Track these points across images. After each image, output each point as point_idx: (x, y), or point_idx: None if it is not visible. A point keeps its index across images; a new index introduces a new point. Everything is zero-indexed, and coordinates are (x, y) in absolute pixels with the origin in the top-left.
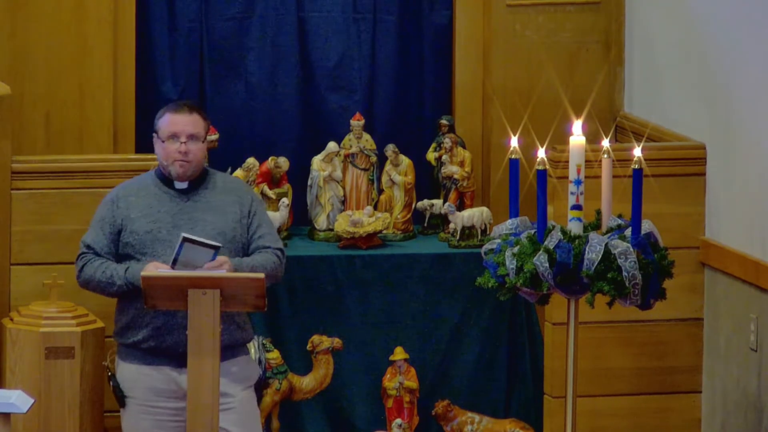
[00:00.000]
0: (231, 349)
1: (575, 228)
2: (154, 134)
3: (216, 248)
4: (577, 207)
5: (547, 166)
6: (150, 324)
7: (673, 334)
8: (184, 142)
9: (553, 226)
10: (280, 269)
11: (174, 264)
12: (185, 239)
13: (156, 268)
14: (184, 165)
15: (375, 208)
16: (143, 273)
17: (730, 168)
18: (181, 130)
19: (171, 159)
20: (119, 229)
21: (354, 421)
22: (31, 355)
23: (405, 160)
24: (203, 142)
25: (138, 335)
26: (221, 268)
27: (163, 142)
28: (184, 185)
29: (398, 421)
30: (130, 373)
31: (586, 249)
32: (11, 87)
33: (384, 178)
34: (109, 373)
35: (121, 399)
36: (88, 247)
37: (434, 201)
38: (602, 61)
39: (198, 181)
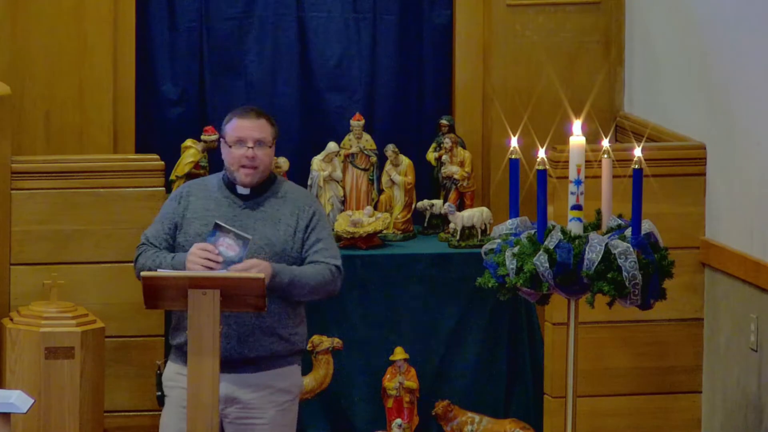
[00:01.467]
0: (272, 360)
1: (575, 228)
2: (221, 139)
3: (246, 239)
4: (577, 207)
5: (547, 166)
6: None
7: (673, 334)
8: (251, 147)
9: (553, 226)
10: (332, 284)
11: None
12: (217, 225)
13: (198, 249)
14: (250, 172)
15: (375, 208)
16: (143, 273)
17: (730, 168)
18: (248, 135)
19: (237, 164)
20: (176, 225)
21: (354, 421)
22: (31, 355)
23: (405, 160)
24: (270, 147)
25: (181, 337)
26: (253, 269)
27: (230, 147)
28: (246, 191)
29: (398, 421)
30: (173, 374)
31: (586, 249)
32: (11, 87)
33: (384, 178)
34: (158, 371)
35: (160, 398)
36: (147, 239)
37: (434, 201)
38: (602, 61)
39: (261, 189)
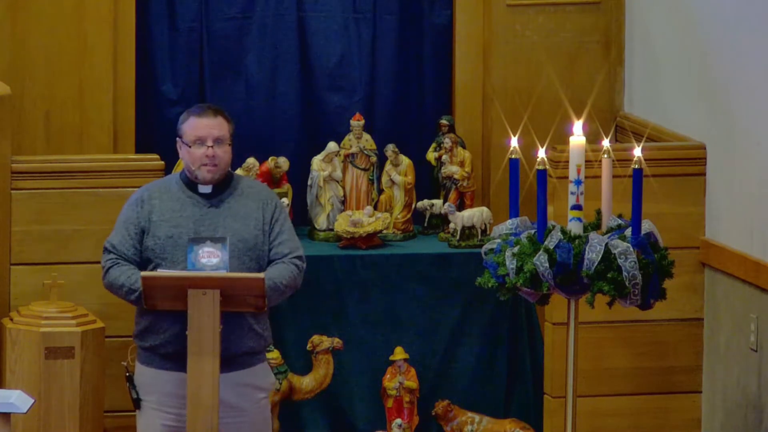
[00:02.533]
0: (249, 357)
1: (575, 228)
2: (177, 139)
3: (222, 240)
4: (577, 207)
5: (547, 166)
6: (168, 330)
7: (673, 334)
8: (211, 146)
9: (553, 226)
10: (299, 278)
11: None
12: (190, 239)
13: None
14: (212, 169)
15: (375, 208)
16: (143, 273)
17: (730, 168)
18: (208, 134)
19: (198, 163)
20: (143, 230)
21: (354, 421)
22: (31, 355)
23: (405, 160)
24: (229, 144)
25: (156, 340)
26: None
27: (189, 146)
28: (208, 189)
29: (398, 421)
30: (148, 377)
31: (586, 249)
32: (11, 87)
33: (384, 178)
34: (127, 374)
35: (136, 401)
36: (114, 248)
37: (434, 201)
38: (602, 61)
39: (222, 186)
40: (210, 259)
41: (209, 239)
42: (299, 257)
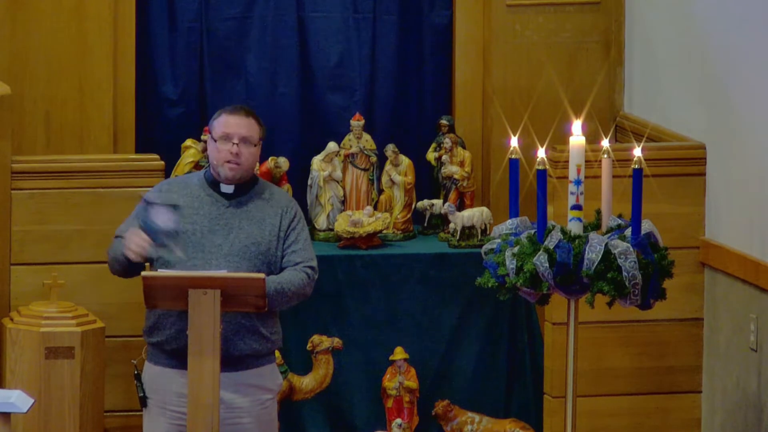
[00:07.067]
0: (254, 358)
1: (575, 228)
2: (208, 135)
3: (175, 206)
4: (577, 207)
5: (547, 166)
6: (173, 326)
7: (673, 334)
8: (236, 144)
9: (553, 226)
10: (308, 287)
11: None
12: (146, 201)
13: (134, 234)
14: (234, 167)
15: (375, 208)
16: (144, 273)
17: (730, 168)
18: (235, 132)
19: (222, 160)
20: None
21: (354, 421)
22: (31, 355)
23: (405, 160)
24: (256, 146)
25: (161, 336)
26: None
27: (216, 142)
28: (230, 189)
29: (398, 421)
30: (154, 375)
31: (586, 249)
32: (11, 87)
33: (384, 178)
34: (135, 372)
35: (142, 399)
36: (122, 234)
37: (434, 201)
38: (602, 61)
39: (244, 188)
40: (156, 221)
41: (161, 204)
42: (311, 267)
